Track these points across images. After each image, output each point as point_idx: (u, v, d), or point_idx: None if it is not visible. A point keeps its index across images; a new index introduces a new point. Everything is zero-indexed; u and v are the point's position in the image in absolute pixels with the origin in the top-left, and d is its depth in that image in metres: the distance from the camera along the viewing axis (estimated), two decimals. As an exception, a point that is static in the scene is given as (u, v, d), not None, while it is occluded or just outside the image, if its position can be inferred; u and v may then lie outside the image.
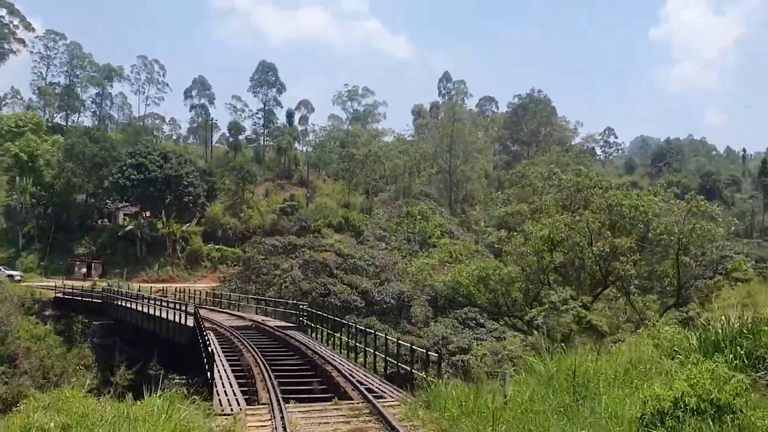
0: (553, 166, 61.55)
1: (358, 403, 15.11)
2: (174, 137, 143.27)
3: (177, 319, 32.66)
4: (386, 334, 24.84)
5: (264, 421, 13.49)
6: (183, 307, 32.23)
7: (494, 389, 14.24)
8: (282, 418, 13.06)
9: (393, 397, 16.00)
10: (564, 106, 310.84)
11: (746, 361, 11.82)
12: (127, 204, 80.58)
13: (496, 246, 49.87)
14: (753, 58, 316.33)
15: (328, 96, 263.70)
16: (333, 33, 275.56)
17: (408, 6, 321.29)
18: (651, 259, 41.10)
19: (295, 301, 41.21)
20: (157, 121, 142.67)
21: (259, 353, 22.60)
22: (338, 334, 29.19)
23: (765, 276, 41.13)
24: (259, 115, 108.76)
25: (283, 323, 35.51)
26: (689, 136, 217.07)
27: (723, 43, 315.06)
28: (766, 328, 12.61)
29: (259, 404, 15.57)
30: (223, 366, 20.52)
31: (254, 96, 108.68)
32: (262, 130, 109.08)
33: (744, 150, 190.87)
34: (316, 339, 30.09)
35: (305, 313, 35.07)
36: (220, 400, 15.91)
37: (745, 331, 12.87)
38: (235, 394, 16.80)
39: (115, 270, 72.04)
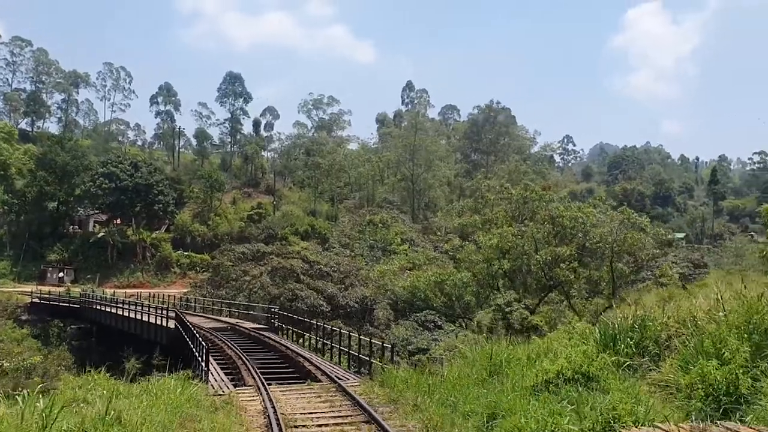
0: (503, 181, 65.91)
1: (326, 384, 18.99)
2: (139, 143, 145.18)
3: (159, 322, 36.14)
4: (350, 333, 28.73)
5: (252, 397, 17.27)
6: (164, 311, 35.74)
7: (434, 371, 18.29)
8: (267, 394, 16.84)
9: (355, 380, 19.89)
10: (526, 114, 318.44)
11: (635, 350, 15.91)
12: (97, 211, 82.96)
13: (451, 253, 54.17)
14: (709, 66, 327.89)
15: (294, 99, 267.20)
16: (298, 37, 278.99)
17: (373, 12, 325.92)
18: (590, 265, 45.58)
19: (267, 305, 44.78)
20: (122, 127, 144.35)
21: (239, 350, 26.29)
22: (307, 335, 32.98)
23: (683, 281, 45.87)
24: (226, 125, 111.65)
25: (256, 325, 39.14)
26: (647, 143, 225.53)
27: (680, 52, 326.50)
28: (650, 323, 16.76)
29: (245, 386, 19.35)
30: (210, 360, 24.16)
31: (221, 105, 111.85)
32: (228, 139, 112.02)
33: (697, 158, 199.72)
34: (288, 339, 33.80)
35: (276, 316, 38.75)
36: (212, 384, 19.59)
37: (635, 326, 17.05)
38: (224, 380, 20.55)
39: (87, 276, 74.57)
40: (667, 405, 11.63)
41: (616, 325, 17.83)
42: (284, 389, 18.35)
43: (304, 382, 19.93)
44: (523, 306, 39.98)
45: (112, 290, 67.58)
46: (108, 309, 47.90)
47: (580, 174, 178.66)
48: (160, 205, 79.17)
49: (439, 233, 78.58)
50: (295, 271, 61.27)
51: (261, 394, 17.23)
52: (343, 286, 61.06)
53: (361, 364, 24.20)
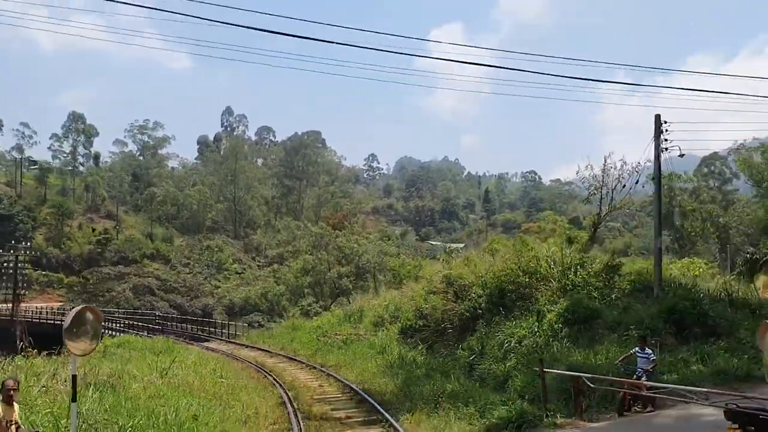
0: (308, 222, 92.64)
1: (220, 341, 44.37)
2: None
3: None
4: (223, 322, 53.79)
5: (192, 345, 42.24)
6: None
7: (269, 333, 44.61)
8: (199, 344, 41.92)
9: (231, 340, 45.37)
10: (339, 134, 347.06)
11: (359, 321, 42.95)
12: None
13: (272, 273, 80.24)
14: (502, 86, 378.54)
15: (107, 108, 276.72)
16: (110, 42, 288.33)
17: (187, 20, 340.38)
18: (364, 277, 73.22)
19: (152, 311, 68.02)
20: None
21: (160, 332, 50.41)
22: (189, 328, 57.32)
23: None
24: (69, 157, 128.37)
25: (147, 324, 62.49)
26: (444, 158, 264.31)
27: (478, 72, 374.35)
28: (365, 309, 44.06)
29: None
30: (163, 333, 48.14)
31: (64, 140, 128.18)
32: (70, 169, 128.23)
33: (480, 175, 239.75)
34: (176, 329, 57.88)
35: (157, 319, 62.39)
36: (163, 345, 44.03)
37: (360, 309, 44.34)
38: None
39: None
40: (352, 329, 38.56)
41: (351, 309, 45.17)
42: (204, 344, 43.46)
43: (208, 341, 45.14)
44: (319, 306, 66.65)
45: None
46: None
47: (383, 190, 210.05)
48: (21, 232, 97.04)
49: (259, 257, 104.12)
50: (151, 287, 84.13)
51: (193, 344, 42.34)
52: (188, 297, 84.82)
53: (231, 336, 49.55)
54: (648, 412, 15.83)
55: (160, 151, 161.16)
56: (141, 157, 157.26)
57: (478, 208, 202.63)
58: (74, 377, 10.97)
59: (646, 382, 15.73)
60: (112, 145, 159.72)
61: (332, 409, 19.56)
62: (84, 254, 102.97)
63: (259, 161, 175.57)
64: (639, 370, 16.20)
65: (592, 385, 15.68)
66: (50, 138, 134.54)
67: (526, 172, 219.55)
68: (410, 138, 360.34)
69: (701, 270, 45.59)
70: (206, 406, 16.61)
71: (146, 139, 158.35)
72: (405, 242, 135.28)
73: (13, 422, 9.11)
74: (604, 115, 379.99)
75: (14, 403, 9.44)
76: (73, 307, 12.26)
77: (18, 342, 39.56)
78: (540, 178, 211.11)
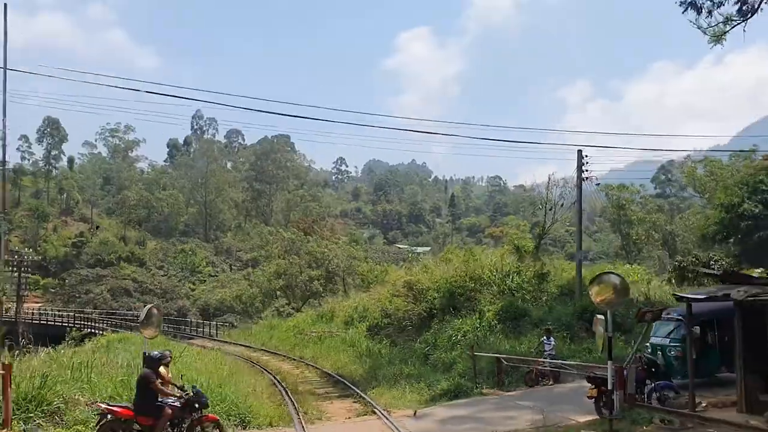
0: (279, 228, 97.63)
1: (205, 339, 49.49)
2: None
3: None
4: (203, 322, 58.77)
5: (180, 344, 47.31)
6: (85, 316, 62.81)
7: (249, 332, 49.87)
8: (189, 340, 47.03)
9: (216, 339, 50.48)
10: (309, 135, 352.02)
11: (331, 318, 48.35)
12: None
13: (245, 276, 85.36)
14: (469, 88, 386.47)
15: (74, 107, 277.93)
16: (77, 40, 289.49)
17: (154, 18, 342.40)
18: (334, 280, 78.52)
19: (130, 312, 72.57)
20: None
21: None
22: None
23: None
24: (42, 162, 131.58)
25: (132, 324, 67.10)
26: (412, 161, 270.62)
27: (445, 75, 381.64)
28: (336, 310, 49.48)
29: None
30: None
31: (38, 144, 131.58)
32: (44, 171, 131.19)
33: (447, 180, 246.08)
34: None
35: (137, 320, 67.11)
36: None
37: (329, 310, 49.81)
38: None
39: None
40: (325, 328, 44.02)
41: (323, 310, 50.62)
42: (190, 342, 48.47)
43: (192, 339, 50.18)
44: (292, 307, 71.81)
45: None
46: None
47: (352, 194, 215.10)
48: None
49: (231, 259, 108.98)
50: (128, 289, 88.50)
51: (182, 342, 47.37)
52: (164, 299, 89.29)
53: (211, 334, 54.63)
54: (551, 384, 21.57)
55: (130, 154, 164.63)
56: (111, 160, 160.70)
57: (444, 212, 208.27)
58: (144, 353, 16.25)
59: (549, 361, 21.55)
60: (81, 147, 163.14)
61: (314, 388, 25.03)
62: (60, 257, 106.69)
63: (229, 164, 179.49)
64: (545, 353, 22.03)
65: (505, 363, 21.47)
66: (19, 139, 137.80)
67: (492, 177, 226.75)
68: (379, 141, 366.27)
69: (639, 276, 51.68)
70: (218, 382, 21.91)
71: (117, 141, 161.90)
72: (373, 246, 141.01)
73: (170, 379, 14.30)
74: (569, 119, 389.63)
75: (170, 366, 14.66)
76: (145, 306, 17.40)
77: (20, 339, 44.35)
78: (505, 183, 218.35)
